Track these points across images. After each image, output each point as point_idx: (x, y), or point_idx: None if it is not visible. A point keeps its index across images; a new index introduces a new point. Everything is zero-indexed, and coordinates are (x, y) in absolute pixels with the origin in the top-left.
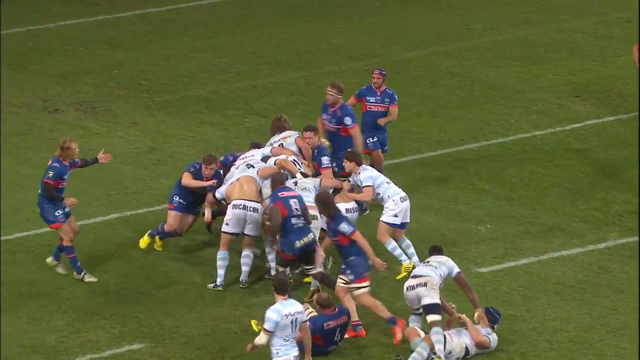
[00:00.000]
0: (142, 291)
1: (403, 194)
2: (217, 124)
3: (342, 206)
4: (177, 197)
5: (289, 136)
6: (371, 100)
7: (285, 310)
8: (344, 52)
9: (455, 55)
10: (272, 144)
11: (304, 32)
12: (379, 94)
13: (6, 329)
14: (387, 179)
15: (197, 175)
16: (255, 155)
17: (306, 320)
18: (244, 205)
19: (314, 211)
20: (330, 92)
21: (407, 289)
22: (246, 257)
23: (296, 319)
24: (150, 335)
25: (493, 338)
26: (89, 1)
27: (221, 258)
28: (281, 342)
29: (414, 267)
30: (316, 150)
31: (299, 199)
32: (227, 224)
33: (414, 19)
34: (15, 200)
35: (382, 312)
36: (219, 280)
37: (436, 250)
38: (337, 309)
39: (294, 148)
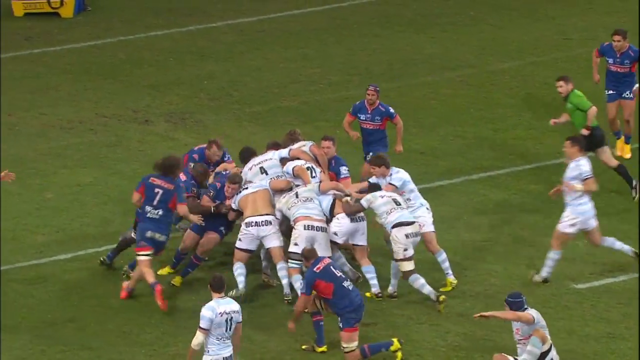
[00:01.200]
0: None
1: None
2: (307, 135)
3: (341, 216)
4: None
5: (304, 145)
6: (362, 118)
7: (220, 308)
8: (437, 63)
9: (551, 66)
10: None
11: (397, 43)
12: (369, 111)
13: (96, 343)
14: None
15: (219, 195)
16: (272, 157)
17: (241, 322)
18: (255, 222)
19: (320, 223)
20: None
21: None
22: (282, 270)
23: (231, 318)
24: (244, 351)
25: (533, 312)
26: (181, 11)
27: (238, 268)
28: (213, 341)
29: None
30: (334, 161)
31: None
32: (240, 239)
33: (510, 28)
34: (105, 212)
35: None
36: (240, 286)
37: None
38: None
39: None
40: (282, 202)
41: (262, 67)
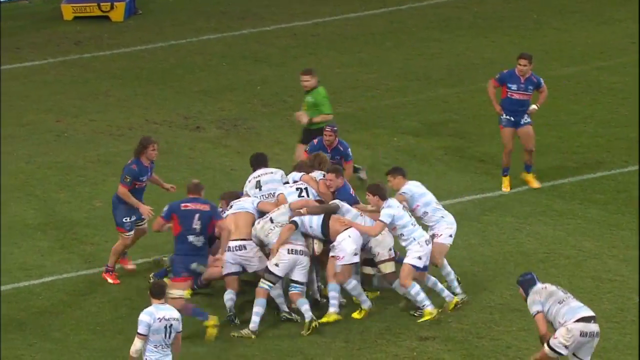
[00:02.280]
0: (281, 319)
1: (427, 236)
2: (364, 142)
3: (344, 234)
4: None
5: (316, 177)
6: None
7: (158, 313)
8: (498, 68)
9: (618, 71)
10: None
11: (457, 47)
12: (329, 151)
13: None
14: (413, 221)
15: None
16: (272, 172)
17: (180, 332)
18: (229, 247)
19: (302, 247)
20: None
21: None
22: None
23: (171, 325)
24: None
25: (549, 287)
26: (233, 15)
27: (227, 293)
28: (151, 349)
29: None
30: (336, 193)
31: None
32: (225, 264)
33: (574, 32)
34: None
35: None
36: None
37: None
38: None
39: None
40: (257, 228)
41: (317, 71)
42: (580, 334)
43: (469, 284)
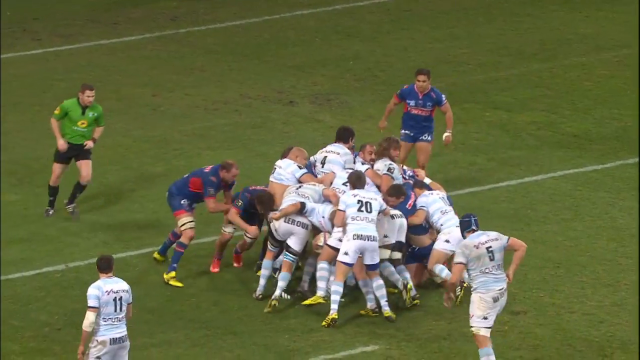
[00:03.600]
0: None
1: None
2: (455, 117)
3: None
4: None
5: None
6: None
7: (106, 287)
8: (592, 43)
9: None
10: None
11: (550, 22)
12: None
13: (240, 327)
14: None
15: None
16: (339, 152)
17: (131, 302)
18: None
19: (300, 219)
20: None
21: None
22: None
23: (120, 297)
24: (384, 337)
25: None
26: None
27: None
28: (100, 322)
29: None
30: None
31: None
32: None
33: None
34: None
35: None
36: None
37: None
38: None
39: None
40: (285, 192)
41: (408, 47)
42: (494, 300)
43: (562, 259)
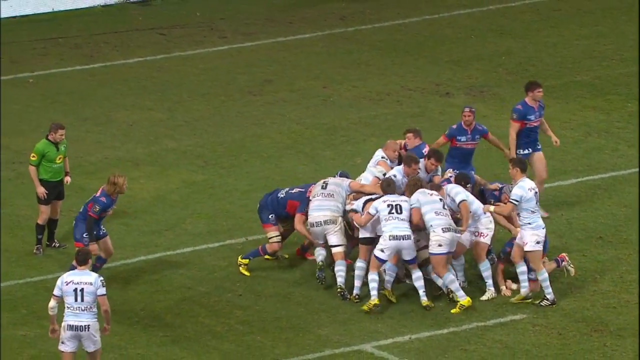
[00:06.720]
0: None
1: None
2: (599, 108)
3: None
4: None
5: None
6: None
7: (68, 278)
8: None
9: None
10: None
11: None
12: (469, 132)
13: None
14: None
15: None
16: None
17: (103, 295)
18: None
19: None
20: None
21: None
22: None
23: (82, 289)
24: (531, 307)
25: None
26: None
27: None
28: (65, 310)
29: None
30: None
31: None
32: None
33: None
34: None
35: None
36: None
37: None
38: None
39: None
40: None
41: (557, 43)
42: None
43: None
